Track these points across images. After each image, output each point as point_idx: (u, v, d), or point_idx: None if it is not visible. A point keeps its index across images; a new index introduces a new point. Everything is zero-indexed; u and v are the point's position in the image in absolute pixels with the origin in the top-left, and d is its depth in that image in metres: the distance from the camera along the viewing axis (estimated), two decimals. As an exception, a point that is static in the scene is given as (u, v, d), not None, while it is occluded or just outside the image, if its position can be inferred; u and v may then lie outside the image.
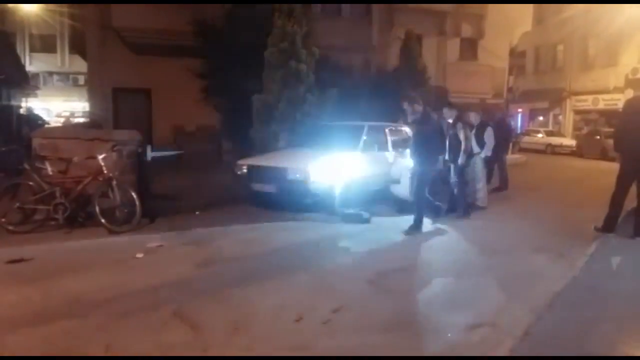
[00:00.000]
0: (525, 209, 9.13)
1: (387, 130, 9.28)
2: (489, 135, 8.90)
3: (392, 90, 14.29)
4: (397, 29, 19.27)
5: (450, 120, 7.97)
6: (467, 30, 23.92)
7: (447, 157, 7.59)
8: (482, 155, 8.80)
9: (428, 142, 6.80)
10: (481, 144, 8.73)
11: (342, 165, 7.96)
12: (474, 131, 8.79)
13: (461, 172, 8.00)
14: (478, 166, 8.79)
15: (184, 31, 12.68)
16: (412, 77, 15.62)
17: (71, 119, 30.56)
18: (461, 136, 7.87)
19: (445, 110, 8.13)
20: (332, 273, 5.04)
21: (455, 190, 7.98)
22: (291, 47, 10.71)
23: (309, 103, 10.79)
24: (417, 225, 6.80)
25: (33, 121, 17.08)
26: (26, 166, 6.72)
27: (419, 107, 6.82)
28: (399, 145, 8.81)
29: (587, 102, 27.94)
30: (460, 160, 7.87)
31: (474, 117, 9.04)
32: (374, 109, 12.57)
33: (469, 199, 8.34)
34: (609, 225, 6.70)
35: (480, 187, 8.80)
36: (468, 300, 4.31)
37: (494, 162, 11.06)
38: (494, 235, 6.83)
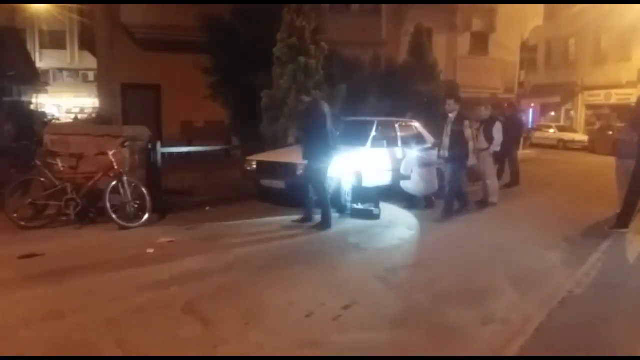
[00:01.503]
0: (537, 205, 9.06)
1: (397, 125, 9.24)
2: (497, 131, 8.68)
3: (402, 85, 14.24)
4: (406, 24, 19.15)
5: (451, 115, 7.53)
6: (477, 25, 23.69)
7: (446, 153, 7.38)
8: (491, 150, 8.66)
9: (313, 134, 6.55)
10: (489, 139, 8.59)
11: (352, 161, 7.92)
12: (482, 126, 8.68)
13: (461, 171, 7.64)
14: (488, 162, 8.67)
15: (192, 27, 12.69)
16: (422, 71, 15.51)
17: (79, 116, 30.69)
18: (468, 134, 7.42)
19: (450, 103, 7.65)
20: (342, 269, 5.03)
21: (447, 189, 7.57)
22: (300, 42, 10.68)
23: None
24: (325, 222, 6.66)
25: (29, 119, 16.13)
26: (37, 162, 6.77)
27: (306, 98, 6.73)
28: (409, 141, 8.74)
29: (599, 97, 27.65)
30: (470, 162, 7.57)
31: (483, 112, 8.87)
32: (384, 105, 12.52)
33: (468, 197, 8.10)
34: (622, 222, 6.62)
35: (490, 183, 8.69)
36: (479, 297, 4.28)
37: (504, 158, 10.98)
38: (505, 232, 6.77)
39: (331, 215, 6.75)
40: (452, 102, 7.65)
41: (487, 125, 8.68)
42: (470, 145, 7.43)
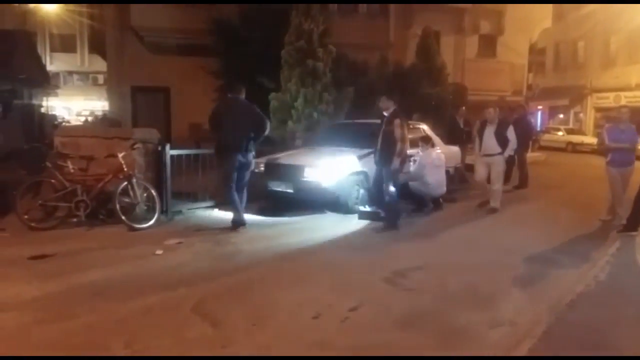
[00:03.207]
0: (545, 207, 9.01)
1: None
2: (511, 133, 8.15)
3: (410, 88, 14.24)
4: (414, 26, 19.15)
5: (386, 113, 6.86)
6: (485, 27, 23.67)
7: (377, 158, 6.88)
8: (506, 154, 8.16)
9: (220, 130, 6.55)
10: (504, 143, 8.05)
11: (360, 163, 7.93)
12: (493, 129, 8.09)
13: (391, 177, 6.80)
14: (499, 166, 8.15)
15: (201, 30, 12.79)
16: (430, 74, 15.52)
17: (89, 119, 30.91)
18: (397, 134, 6.59)
19: (382, 99, 6.92)
20: (349, 271, 5.03)
21: (387, 198, 6.84)
22: (308, 45, 10.72)
23: (326, 101, 10.78)
24: (235, 222, 6.59)
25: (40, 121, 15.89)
26: (48, 164, 6.83)
27: (229, 95, 6.76)
28: (418, 143, 8.67)
29: (608, 100, 27.43)
30: (393, 165, 6.66)
31: (491, 114, 8.24)
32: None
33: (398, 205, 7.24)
34: (632, 225, 6.59)
35: (497, 188, 8.17)
36: (487, 299, 4.27)
37: (513, 161, 10.93)
38: (513, 234, 6.75)
39: (240, 216, 6.63)
40: (384, 98, 6.94)
41: (499, 128, 8.12)
42: (398, 147, 6.58)
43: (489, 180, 8.28)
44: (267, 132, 6.77)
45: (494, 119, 8.23)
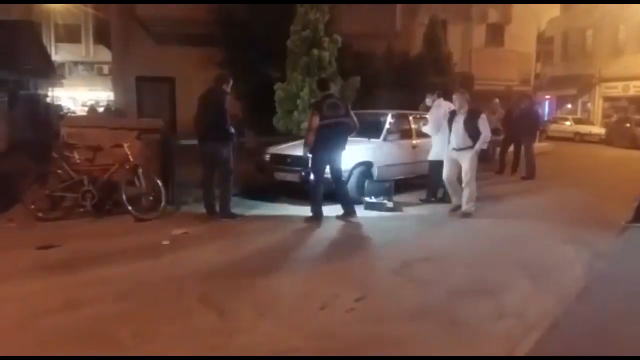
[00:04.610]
0: (552, 198, 8.96)
1: (411, 118, 9.17)
2: (484, 125, 6.96)
3: (416, 77, 14.14)
4: (421, 15, 18.97)
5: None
6: (493, 16, 23.40)
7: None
8: (477, 147, 6.92)
9: None
10: (474, 134, 6.90)
11: (365, 154, 7.90)
12: (462, 120, 6.96)
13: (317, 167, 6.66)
14: (469, 162, 6.91)
15: (207, 20, 12.72)
16: (437, 63, 15.40)
17: (97, 108, 30.99)
18: (310, 121, 6.46)
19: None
20: (356, 262, 5.03)
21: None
22: (313, 34, 10.65)
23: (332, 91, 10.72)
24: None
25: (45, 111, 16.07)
26: (54, 154, 6.85)
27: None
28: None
29: (617, 89, 27.23)
30: (303, 152, 6.68)
31: (458, 100, 7.11)
32: (398, 97, 12.45)
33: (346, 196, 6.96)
34: (639, 216, 6.53)
35: (469, 188, 6.98)
36: (494, 290, 4.24)
37: (519, 150, 10.87)
38: (521, 225, 6.71)
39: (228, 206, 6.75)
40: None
41: (470, 118, 6.97)
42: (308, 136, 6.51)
43: (460, 179, 7.10)
44: (220, 126, 6.55)
45: (462, 107, 7.06)
